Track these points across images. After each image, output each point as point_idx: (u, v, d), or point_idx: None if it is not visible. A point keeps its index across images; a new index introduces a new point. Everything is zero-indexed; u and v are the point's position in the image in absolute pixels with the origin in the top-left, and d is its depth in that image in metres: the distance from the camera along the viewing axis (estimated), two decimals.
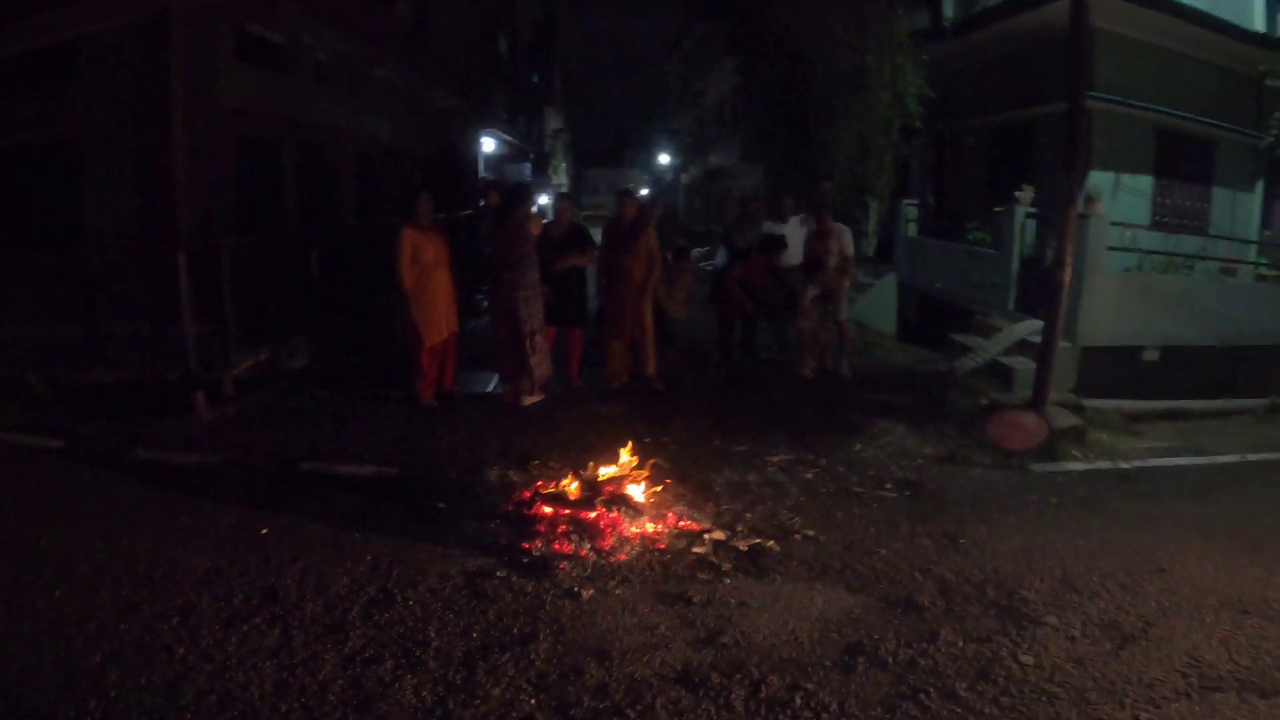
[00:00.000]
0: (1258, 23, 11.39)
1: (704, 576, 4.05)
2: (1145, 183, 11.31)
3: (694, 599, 3.82)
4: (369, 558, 4.15)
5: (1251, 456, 7.08)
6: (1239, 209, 12.32)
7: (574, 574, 4.01)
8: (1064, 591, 4.14)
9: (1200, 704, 3.22)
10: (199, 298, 7.57)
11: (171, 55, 8.69)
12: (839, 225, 8.70)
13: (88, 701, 2.95)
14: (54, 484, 5.15)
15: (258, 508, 4.78)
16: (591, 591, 3.84)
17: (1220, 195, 12.16)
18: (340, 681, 3.12)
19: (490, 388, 7.75)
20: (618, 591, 3.85)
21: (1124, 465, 6.50)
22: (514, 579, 3.97)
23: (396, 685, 3.10)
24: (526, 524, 4.51)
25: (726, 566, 4.16)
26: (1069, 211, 7.18)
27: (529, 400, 7.14)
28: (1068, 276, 7.23)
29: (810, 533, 4.67)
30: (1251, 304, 10.20)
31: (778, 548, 4.42)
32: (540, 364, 7.14)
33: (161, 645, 3.33)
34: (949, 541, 4.74)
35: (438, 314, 6.93)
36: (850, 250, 8.63)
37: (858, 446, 6.39)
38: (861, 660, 3.39)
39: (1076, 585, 4.22)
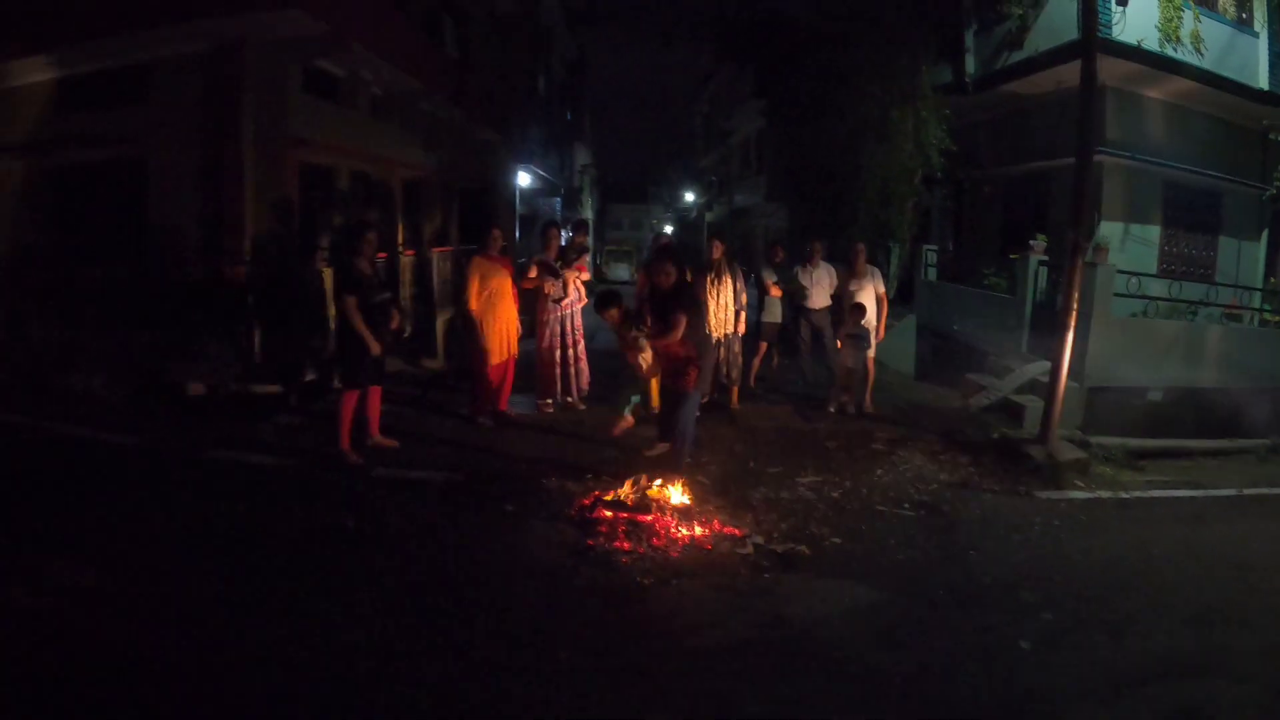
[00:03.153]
0: (1261, 80, 11.95)
1: (747, 572, 4.68)
2: (1153, 232, 11.89)
3: (741, 589, 4.45)
4: (452, 549, 4.78)
5: (1248, 491, 7.48)
6: (1244, 257, 12.84)
7: (635, 566, 4.64)
8: (1060, 595, 4.71)
9: (1179, 685, 3.79)
10: (262, 314, 8.28)
11: (244, 84, 9.34)
12: (870, 267, 9.32)
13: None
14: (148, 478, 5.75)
15: (339, 505, 5.40)
16: (651, 580, 4.47)
17: (1226, 244, 12.69)
18: (440, 639, 3.75)
19: (533, 410, 8.37)
20: (674, 581, 4.48)
21: (1124, 495, 6.96)
22: (582, 569, 4.60)
23: (486, 643, 3.74)
24: (589, 525, 5.14)
25: (766, 564, 4.78)
26: (1076, 261, 7.78)
27: (581, 407, 8.21)
28: (1074, 321, 7.81)
29: (837, 541, 5.28)
30: (1254, 348, 10.64)
31: (809, 552, 5.02)
32: (583, 372, 8.28)
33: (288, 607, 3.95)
34: (960, 552, 5.33)
35: (500, 338, 7.60)
36: (882, 289, 9.24)
37: (879, 472, 6.97)
38: (886, 641, 4.01)
39: (1072, 590, 4.80)
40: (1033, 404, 9.28)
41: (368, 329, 6.26)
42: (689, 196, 46.49)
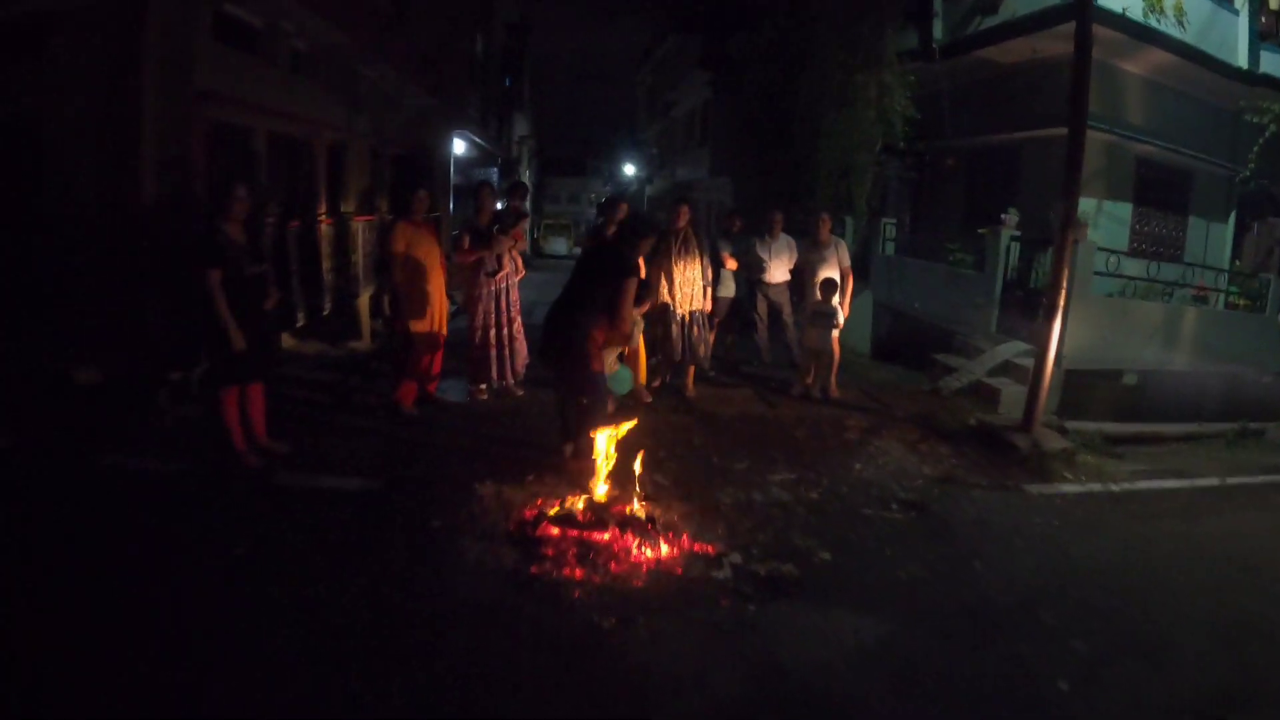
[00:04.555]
0: (1240, 58, 11.55)
1: (727, 603, 3.83)
2: (1125, 210, 11.41)
3: (723, 627, 3.60)
4: (364, 583, 3.82)
5: (1230, 480, 7.15)
6: (1212, 239, 12.53)
7: (591, 602, 3.74)
8: (1083, 613, 4.12)
9: None
10: (163, 288, 7.18)
11: (145, 29, 8.23)
12: (835, 238, 8.57)
13: None
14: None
15: (231, 524, 4.41)
16: (613, 621, 3.57)
17: (1195, 225, 12.35)
18: (345, 713, 2.86)
19: (464, 397, 7.42)
20: (640, 620, 3.59)
21: (1114, 488, 6.48)
22: (526, 607, 3.67)
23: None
24: (532, 546, 4.22)
25: (749, 591, 3.94)
26: (1067, 236, 7.13)
27: (519, 392, 7.36)
28: (1063, 300, 7.18)
29: (826, 556, 4.48)
30: (1223, 331, 10.39)
31: (796, 572, 4.21)
32: (519, 353, 7.37)
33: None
34: (964, 563, 4.65)
35: (427, 315, 6.62)
36: (847, 263, 8.50)
37: (857, 466, 6.24)
38: (903, 687, 3.26)
39: (1091, 606, 4.22)
40: (1008, 387, 8.74)
41: (236, 310, 5.06)
42: (629, 170, 45.58)
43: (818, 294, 8.24)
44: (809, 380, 8.42)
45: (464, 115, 19.21)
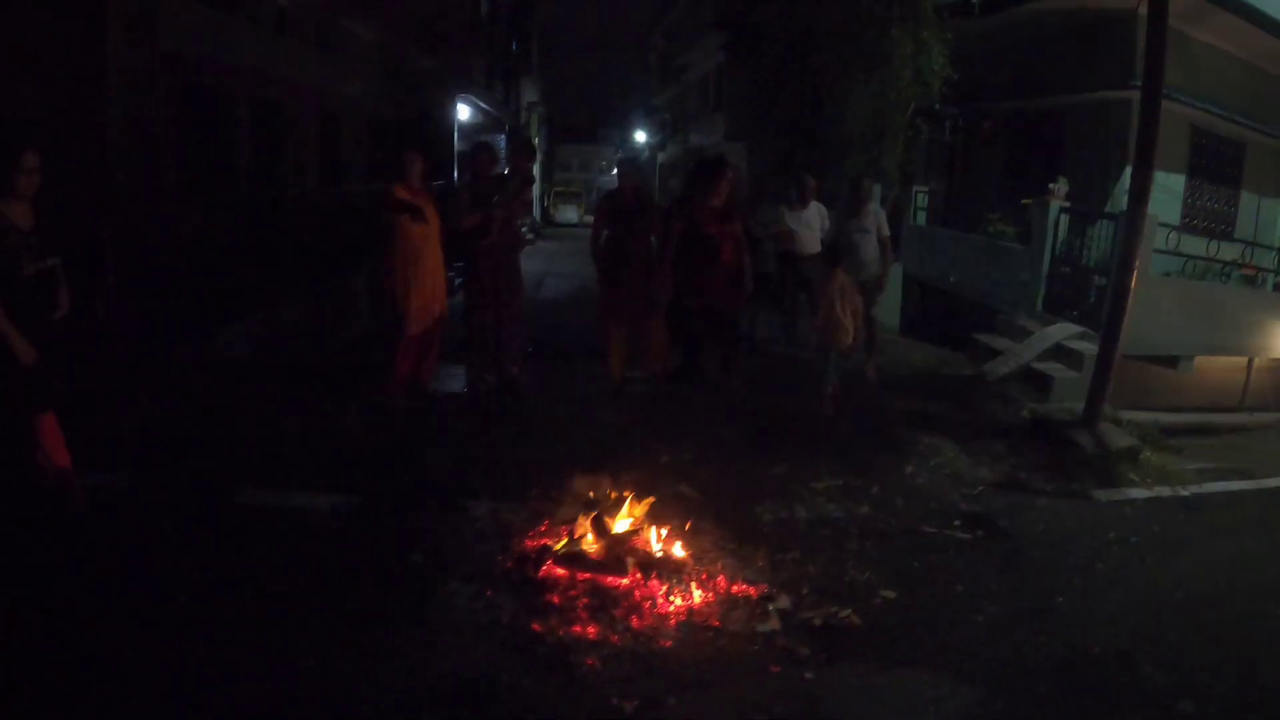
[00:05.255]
0: None
1: (778, 669, 3.08)
2: (1178, 182, 10.54)
3: (774, 706, 2.85)
4: (322, 645, 3.08)
5: None
6: (1263, 215, 11.68)
7: (609, 674, 2.96)
8: (1186, 664, 3.46)
9: None
10: (128, 272, 6.45)
11: None
12: (874, 205, 7.78)
13: None
14: None
15: (175, 560, 3.67)
16: (636, 703, 2.81)
17: (1247, 200, 11.49)
18: None
19: (462, 386, 6.67)
20: (672, 701, 2.83)
21: (1183, 492, 5.80)
22: (526, 684, 2.89)
23: None
24: (534, 592, 3.45)
25: (803, 651, 3.18)
26: (1140, 209, 6.32)
27: (524, 380, 6.65)
28: (1134, 282, 6.39)
29: (890, 594, 3.75)
30: (1275, 313, 9.64)
31: (858, 620, 3.47)
32: (518, 335, 6.64)
33: None
34: (1045, 598, 3.94)
35: (425, 294, 5.87)
36: (887, 232, 7.72)
37: (909, 469, 5.51)
38: None
39: (1196, 654, 3.55)
40: (1060, 374, 8.01)
41: (18, 319, 3.59)
42: (641, 136, 44.57)
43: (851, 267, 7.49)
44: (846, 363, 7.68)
45: (468, 79, 18.33)
